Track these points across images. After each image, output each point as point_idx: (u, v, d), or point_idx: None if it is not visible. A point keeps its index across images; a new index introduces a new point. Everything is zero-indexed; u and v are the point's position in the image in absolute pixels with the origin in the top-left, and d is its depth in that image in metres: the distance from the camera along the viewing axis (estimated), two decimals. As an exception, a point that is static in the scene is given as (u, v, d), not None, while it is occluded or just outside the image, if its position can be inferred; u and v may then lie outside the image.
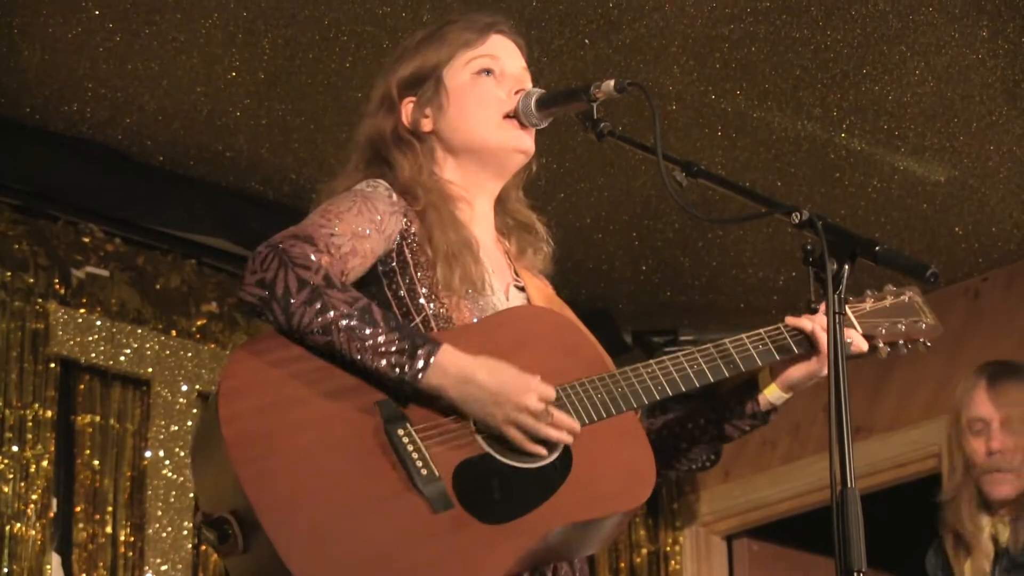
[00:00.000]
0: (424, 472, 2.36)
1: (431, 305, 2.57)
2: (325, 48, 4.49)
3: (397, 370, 2.36)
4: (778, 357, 2.65)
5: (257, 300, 2.38)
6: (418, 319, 2.56)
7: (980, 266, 5.72)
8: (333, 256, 2.47)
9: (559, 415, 2.43)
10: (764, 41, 4.50)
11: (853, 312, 2.72)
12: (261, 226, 5.14)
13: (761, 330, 2.66)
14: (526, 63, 2.79)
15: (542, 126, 2.73)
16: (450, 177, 2.72)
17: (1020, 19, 4.41)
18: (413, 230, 2.61)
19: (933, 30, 4.44)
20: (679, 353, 2.62)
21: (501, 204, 2.79)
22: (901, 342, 2.77)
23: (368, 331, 2.36)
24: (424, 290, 2.57)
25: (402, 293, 2.57)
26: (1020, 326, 5.62)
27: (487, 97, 2.70)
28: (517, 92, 2.70)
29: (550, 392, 2.42)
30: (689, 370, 2.60)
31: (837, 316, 2.26)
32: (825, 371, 2.61)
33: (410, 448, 2.38)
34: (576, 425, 2.45)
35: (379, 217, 2.56)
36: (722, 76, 4.65)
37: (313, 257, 2.41)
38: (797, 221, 2.37)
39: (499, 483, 2.40)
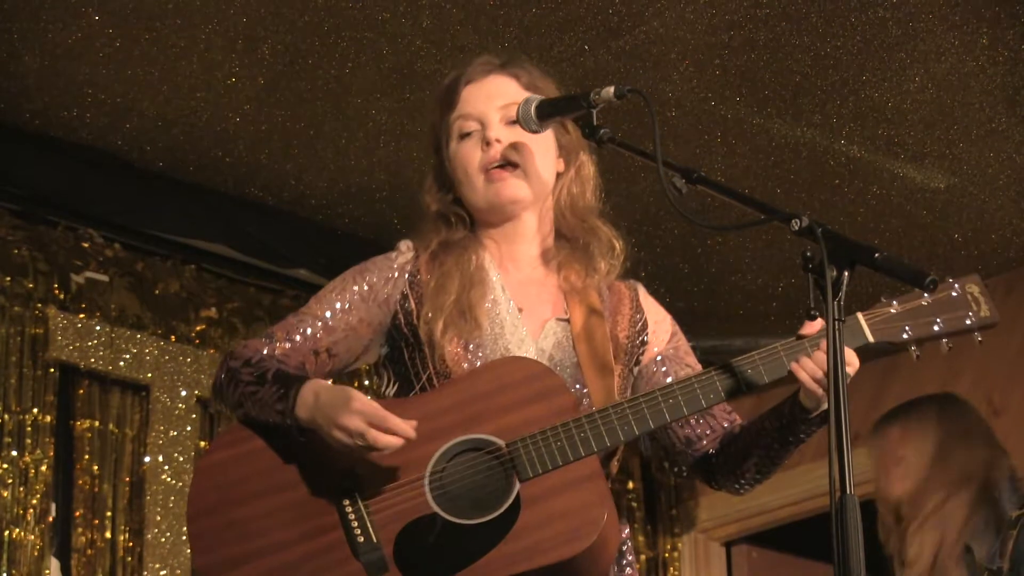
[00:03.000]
0: (361, 539, 2.48)
1: (441, 367, 2.67)
2: (325, 54, 4.49)
3: (281, 416, 2.52)
4: (767, 379, 2.63)
5: (215, 402, 2.66)
6: (425, 382, 2.68)
7: (980, 273, 5.66)
8: (296, 342, 2.68)
9: (374, 434, 2.45)
10: (764, 48, 4.50)
11: (867, 319, 2.67)
12: (260, 232, 5.15)
13: (755, 352, 2.65)
14: (520, 85, 2.82)
15: (542, 132, 2.74)
16: (482, 229, 2.83)
17: (1020, 27, 4.41)
18: (422, 289, 2.74)
19: (933, 37, 4.44)
20: (656, 390, 2.62)
21: (558, 217, 2.84)
22: (944, 340, 2.71)
23: (260, 390, 2.54)
24: (435, 355, 2.67)
25: (416, 361, 2.69)
26: (1021, 333, 5.62)
27: (467, 160, 2.79)
28: (488, 144, 2.75)
29: (371, 409, 2.46)
30: (663, 405, 2.60)
31: (836, 323, 2.26)
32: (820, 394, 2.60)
33: (351, 517, 2.50)
34: (408, 430, 2.46)
35: (366, 288, 2.73)
36: (722, 83, 4.65)
37: (253, 347, 2.65)
38: (796, 228, 2.37)
39: (440, 542, 2.48)
